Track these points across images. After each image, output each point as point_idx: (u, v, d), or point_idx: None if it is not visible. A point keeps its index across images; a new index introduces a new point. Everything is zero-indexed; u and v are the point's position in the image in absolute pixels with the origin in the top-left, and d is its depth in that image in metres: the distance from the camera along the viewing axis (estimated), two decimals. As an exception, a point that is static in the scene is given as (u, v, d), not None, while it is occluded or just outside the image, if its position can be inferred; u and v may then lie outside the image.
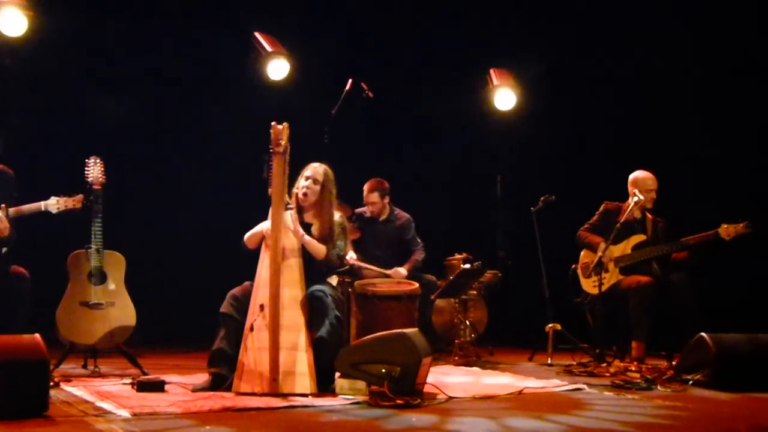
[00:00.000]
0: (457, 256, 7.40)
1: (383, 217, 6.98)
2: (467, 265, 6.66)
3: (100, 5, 7.64)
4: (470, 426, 3.81)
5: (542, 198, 6.95)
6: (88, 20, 7.52)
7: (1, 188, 4.97)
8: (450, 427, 3.79)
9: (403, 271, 6.65)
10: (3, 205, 4.75)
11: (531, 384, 5.20)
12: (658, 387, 5.07)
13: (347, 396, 4.51)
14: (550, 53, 8.14)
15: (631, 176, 6.49)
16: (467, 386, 5.12)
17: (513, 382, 5.35)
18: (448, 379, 5.41)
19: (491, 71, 8.00)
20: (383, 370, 4.49)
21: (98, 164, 5.43)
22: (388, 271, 6.61)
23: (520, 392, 4.86)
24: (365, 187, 6.94)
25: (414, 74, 8.65)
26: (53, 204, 4.96)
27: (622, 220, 6.16)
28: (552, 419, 3.99)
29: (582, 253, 6.59)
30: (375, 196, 6.90)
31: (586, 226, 6.57)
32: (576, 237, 6.57)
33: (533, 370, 6.14)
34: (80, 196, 5.10)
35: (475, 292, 7.12)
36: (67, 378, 5.01)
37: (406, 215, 7.07)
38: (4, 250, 4.94)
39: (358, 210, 7.00)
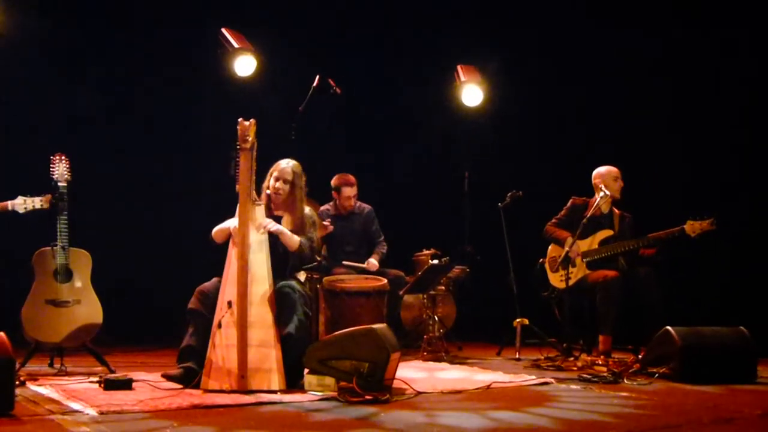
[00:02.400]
0: (425, 251, 7.42)
1: (348, 211, 7.00)
2: (435, 261, 6.69)
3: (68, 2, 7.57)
4: (461, 420, 3.84)
5: (509, 194, 6.99)
6: (55, 16, 7.43)
7: None
8: (443, 421, 3.79)
9: (375, 262, 6.68)
10: None
11: (499, 378, 5.24)
12: (625, 380, 5.13)
13: (316, 392, 4.51)
14: (515, 47, 8.19)
15: (596, 171, 6.55)
16: (434, 381, 5.14)
17: (477, 376, 5.39)
18: (415, 374, 5.42)
19: (458, 67, 8.02)
20: (352, 366, 4.50)
21: (63, 161, 5.37)
22: (362, 265, 6.63)
23: (488, 386, 4.89)
24: (340, 182, 6.96)
25: (382, 70, 8.67)
26: (20, 204, 4.91)
27: (588, 215, 6.22)
28: (531, 411, 4.06)
29: (549, 247, 6.64)
30: (353, 191, 6.92)
31: (553, 220, 6.62)
32: (543, 231, 6.62)
33: (501, 364, 6.18)
34: (48, 196, 5.04)
35: (443, 288, 7.15)
36: (33, 377, 4.95)
37: (368, 206, 7.11)
38: None
39: (322, 208, 6.98)
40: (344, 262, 6.70)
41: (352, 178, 6.99)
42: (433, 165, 8.91)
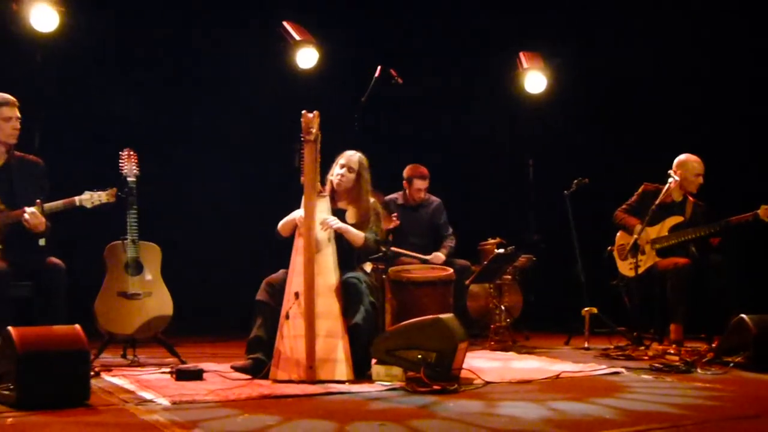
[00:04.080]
0: (491, 240, 7.37)
1: (417, 203, 6.98)
2: (501, 250, 6.62)
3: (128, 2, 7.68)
4: (520, 409, 3.81)
5: (575, 180, 6.90)
6: (117, 16, 7.55)
7: (33, 179, 5.01)
8: (502, 411, 3.78)
9: (442, 256, 6.66)
10: (38, 201, 4.79)
11: (568, 368, 5.18)
12: (698, 370, 5.02)
13: (384, 382, 4.52)
14: (582, 32, 8.06)
15: (678, 159, 6.37)
16: (503, 371, 5.10)
17: (549, 366, 5.33)
18: (484, 364, 5.39)
19: (521, 54, 7.93)
20: (419, 356, 4.49)
21: (132, 156, 5.47)
22: (427, 257, 6.61)
23: (557, 376, 4.84)
24: (413, 174, 6.95)
25: (442, 58, 8.60)
26: (87, 199, 5.00)
27: (658, 202, 6.09)
28: (597, 402, 3.99)
29: (618, 234, 6.53)
30: (424, 183, 6.91)
31: (623, 207, 6.51)
32: (612, 218, 6.51)
33: (570, 354, 6.11)
34: (113, 190, 5.12)
35: (509, 277, 7.08)
36: (107, 368, 5.06)
37: (437, 199, 7.08)
38: (41, 242, 4.99)
39: (389, 197, 6.98)
40: (401, 251, 6.65)
41: (425, 171, 6.97)
42: (497, 153, 8.82)
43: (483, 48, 8.52)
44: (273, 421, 3.53)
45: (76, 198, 4.97)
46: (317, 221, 4.89)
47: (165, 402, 3.91)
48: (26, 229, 4.79)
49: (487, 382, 4.59)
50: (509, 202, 8.46)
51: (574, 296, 6.84)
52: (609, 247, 6.59)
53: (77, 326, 3.99)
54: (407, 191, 7.02)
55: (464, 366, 4.72)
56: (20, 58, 6.79)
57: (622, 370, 5.10)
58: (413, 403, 3.99)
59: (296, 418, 3.60)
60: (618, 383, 4.65)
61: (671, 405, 3.94)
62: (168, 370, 4.87)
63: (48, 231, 4.90)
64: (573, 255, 6.87)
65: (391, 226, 6.55)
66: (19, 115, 4.97)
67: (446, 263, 6.50)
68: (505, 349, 6.31)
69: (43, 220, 4.79)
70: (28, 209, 4.76)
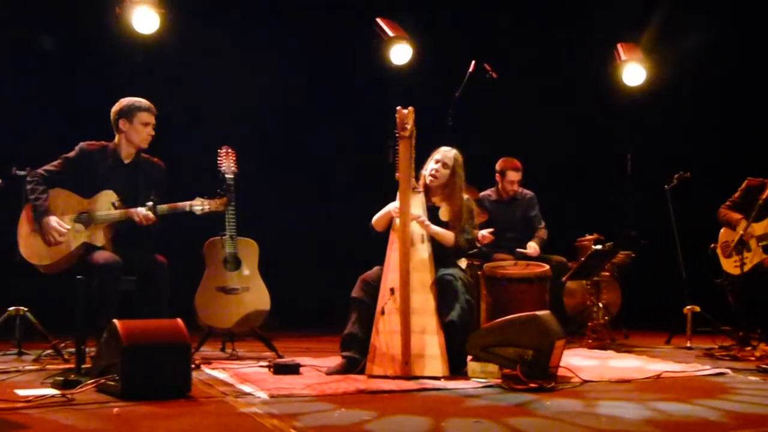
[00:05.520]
0: (588, 237, 7.24)
1: (510, 196, 6.92)
2: (599, 246, 6.50)
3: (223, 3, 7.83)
4: (622, 410, 3.72)
5: (676, 175, 6.72)
6: (212, 16, 7.71)
7: (154, 180, 5.16)
8: (603, 411, 3.70)
9: (537, 246, 6.57)
10: (151, 202, 4.92)
11: (669, 368, 5.03)
12: (809, 371, 4.81)
13: (479, 379, 4.48)
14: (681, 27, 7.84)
15: None
16: (601, 370, 5.00)
17: (649, 365, 5.19)
18: (581, 362, 5.29)
19: (619, 46, 7.75)
20: (515, 353, 4.43)
21: (230, 154, 5.57)
22: (523, 250, 6.54)
23: (658, 376, 4.70)
24: (506, 166, 6.88)
25: (538, 51, 8.47)
26: (198, 205, 5.11)
27: (764, 197, 5.86)
28: (701, 403, 3.86)
29: (721, 231, 6.31)
30: (517, 176, 6.85)
31: (727, 203, 6.30)
32: (716, 214, 6.31)
33: (671, 353, 5.95)
34: (224, 199, 5.21)
35: (607, 274, 6.94)
36: (207, 361, 5.18)
37: (530, 192, 7.00)
38: (149, 239, 5.13)
39: (482, 193, 6.93)
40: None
41: (518, 163, 6.90)
42: (594, 147, 8.65)
43: (579, 39, 8.36)
44: (369, 416, 3.54)
45: (187, 203, 5.09)
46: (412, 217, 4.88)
47: (263, 395, 3.97)
48: (136, 226, 4.95)
49: (585, 381, 4.49)
50: (607, 197, 8.28)
51: (674, 294, 6.66)
52: (712, 244, 6.38)
53: (179, 320, 4.09)
54: (500, 185, 6.96)
55: (561, 364, 4.65)
56: (123, 59, 7.02)
57: (728, 370, 4.93)
58: (509, 401, 3.94)
59: (391, 413, 3.60)
60: (723, 384, 4.49)
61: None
62: (266, 364, 4.94)
63: (156, 229, 5.05)
64: (674, 252, 6.67)
65: (483, 219, 6.50)
66: (155, 122, 5.13)
67: (542, 259, 6.40)
68: (603, 348, 6.19)
69: (154, 219, 4.93)
70: (141, 209, 4.91)
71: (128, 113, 5.08)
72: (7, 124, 6.90)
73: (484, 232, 6.15)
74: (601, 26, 8.16)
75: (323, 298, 7.38)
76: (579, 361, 5.29)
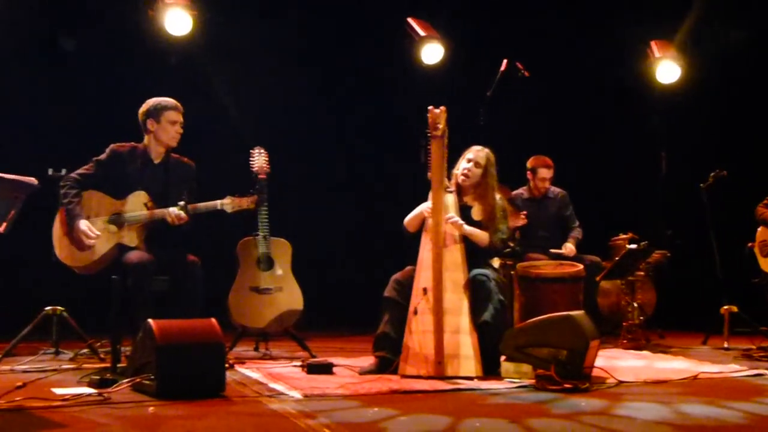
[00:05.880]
0: (622, 236, 7.16)
1: (542, 195, 6.88)
2: (633, 246, 6.42)
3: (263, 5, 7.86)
4: (642, 411, 3.67)
5: (712, 173, 6.63)
6: (243, 16, 7.75)
7: (185, 180, 5.18)
8: (621, 411, 3.67)
9: (573, 246, 6.52)
10: (183, 201, 4.95)
11: (706, 369, 4.96)
12: None
13: (513, 379, 4.45)
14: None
15: None
16: (637, 370, 4.94)
17: (687, 366, 5.13)
18: (616, 363, 5.24)
19: (652, 43, 7.66)
20: (549, 354, 4.40)
21: (263, 154, 5.59)
22: (558, 251, 6.49)
23: (695, 377, 4.64)
24: (537, 163, 6.86)
25: (569, 49, 8.40)
26: (228, 203, 5.11)
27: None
28: (730, 406, 3.79)
29: (759, 230, 6.22)
30: (549, 173, 6.81)
31: (764, 201, 6.21)
32: (754, 213, 6.22)
33: (708, 354, 5.87)
34: (255, 197, 5.21)
35: (642, 273, 6.86)
36: (241, 360, 5.20)
37: (563, 191, 6.95)
38: (180, 238, 5.16)
39: (515, 192, 6.89)
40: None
41: (549, 161, 6.87)
42: (628, 145, 8.56)
43: (610, 37, 8.28)
44: (396, 414, 3.54)
45: (219, 202, 5.10)
46: (444, 217, 4.86)
47: (297, 395, 3.98)
48: (168, 226, 4.98)
49: (620, 382, 4.45)
50: (642, 196, 8.19)
51: (711, 294, 6.57)
52: (749, 243, 6.29)
53: (213, 320, 4.12)
54: (531, 183, 6.92)
55: (596, 364, 4.60)
56: (156, 61, 7.08)
57: (766, 371, 4.85)
58: (534, 400, 3.93)
59: (414, 412, 3.59)
60: (761, 386, 4.42)
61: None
62: (299, 363, 4.95)
63: (187, 229, 5.07)
64: (710, 251, 6.59)
65: (519, 224, 6.46)
66: (182, 120, 5.15)
67: (576, 259, 6.35)
68: (639, 348, 6.12)
69: (186, 218, 4.95)
70: (173, 209, 4.93)
71: (155, 113, 5.10)
72: (42, 125, 6.99)
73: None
74: (634, 23, 8.06)
75: (356, 298, 7.38)
76: (614, 362, 5.24)
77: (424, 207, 4.97)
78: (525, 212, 6.58)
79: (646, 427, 3.38)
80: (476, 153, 5.11)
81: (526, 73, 6.66)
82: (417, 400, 3.94)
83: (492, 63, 6.68)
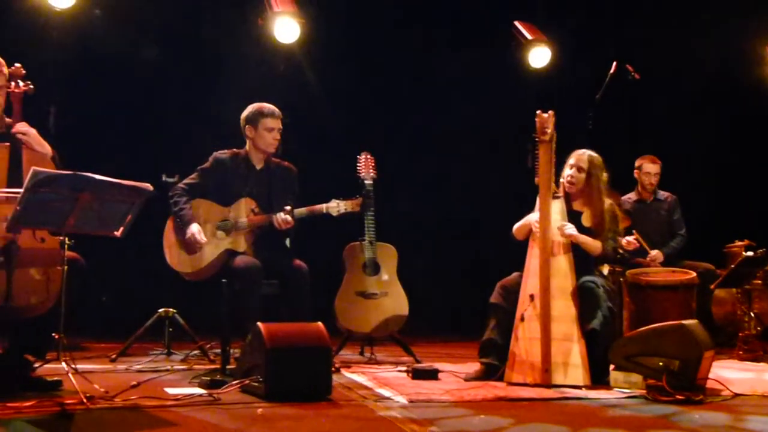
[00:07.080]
0: (738, 243, 6.90)
1: (652, 198, 6.72)
2: (750, 253, 6.18)
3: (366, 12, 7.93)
4: (762, 425, 3.53)
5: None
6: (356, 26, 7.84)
7: (287, 184, 5.26)
8: (748, 425, 3.53)
9: (660, 255, 6.35)
10: (288, 206, 5.03)
11: (830, 382, 4.73)
12: None
13: (622, 389, 4.35)
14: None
15: None
16: (754, 383, 4.74)
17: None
18: (732, 374, 5.05)
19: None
20: (660, 364, 4.27)
21: (369, 160, 5.63)
22: (642, 260, 6.32)
23: (816, 391, 4.43)
24: (643, 161, 6.73)
25: (680, 50, 8.15)
26: (334, 207, 5.16)
27: None
28: None
29: None
30: (655, 168, 6.66)
31: None
32: None
33: (832, 367, 5.59)
34: (359, 200, 5.22)
35: (759, 282, 6.58)
36: (347, 364, 5.25)
37: (672, 194, 6.77)
38: (287, 241, 5.25)
39: (624, 197, 6.74)
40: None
41: (655, 158, 6.75)
42: (744, 150, 8.23)
43: (727, 37, 7.98)
44: (506, 423, 3.50)
45: (323, 205, 5.14)
46: (553, 223, 4.79)
47: (402, 400, 3.98)
48: (275, 231, 5.06)
49: (737, 395, 4.29)
50: (759, 201, 7.87)
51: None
52: None
53: (320, 324, 4.16)
54: (639, 184, 6.78)
55: (710, 376, 4.44)
56: (266, 69, 7.23)
57: None
58: (654, 413, 3.81)
59: (528, 421, 3.55)
60: None
61: None
62: (404, 368, 4.96)
63: (293, 233, 5.15)
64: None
65: (627, 225, 6.31)
66: (281, 126, 5.20)
67: (689, 267, 6.15)
68: (756, 360, 5.88)
69: (292, 222, 5.02)
70: (280, 213, 5.00)
71: (253, 120, 5.17)
72: (156, 132, 7.22)
73: (630, 238, 5.98)
74: (748, 23, 7.76)
75: (462, 305, 7.34)
76: (729, 374, 5.04)
77: (532, 219, 4.89)
78: (629, 219, 6.43)
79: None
80: (577, 157, 5.00)
81: (637, 76, 6.51)
82: (524, 408, 3.89)
83: (602, 65, 6.55)
